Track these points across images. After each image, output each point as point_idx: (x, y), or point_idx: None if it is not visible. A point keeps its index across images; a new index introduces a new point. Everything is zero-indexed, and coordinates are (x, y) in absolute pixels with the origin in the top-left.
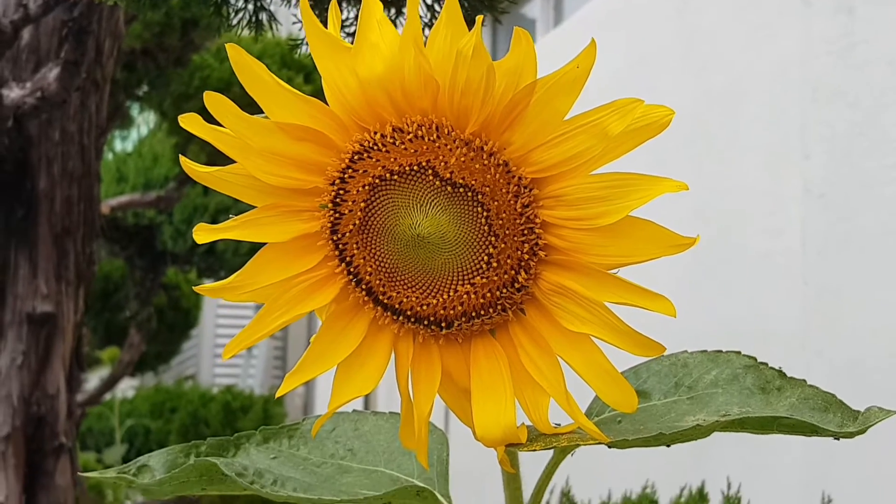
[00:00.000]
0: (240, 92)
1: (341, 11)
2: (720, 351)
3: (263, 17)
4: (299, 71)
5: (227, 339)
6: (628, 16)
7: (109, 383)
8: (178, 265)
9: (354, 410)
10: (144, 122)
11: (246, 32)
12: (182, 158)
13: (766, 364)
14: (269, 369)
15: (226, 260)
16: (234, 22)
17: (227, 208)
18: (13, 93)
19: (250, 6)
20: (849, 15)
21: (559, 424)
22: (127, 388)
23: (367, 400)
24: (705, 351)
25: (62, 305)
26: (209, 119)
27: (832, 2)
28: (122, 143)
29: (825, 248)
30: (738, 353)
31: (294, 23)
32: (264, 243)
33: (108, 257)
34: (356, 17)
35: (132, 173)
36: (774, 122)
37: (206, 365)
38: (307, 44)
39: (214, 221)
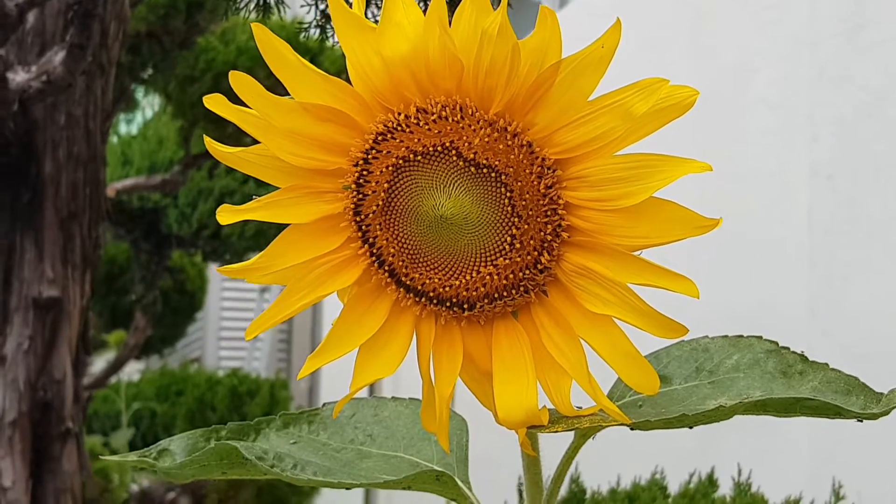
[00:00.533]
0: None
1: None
2: (741, 336)
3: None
4: (304, 54)
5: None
6: None
7: (115, 366)
8: (183, 248)
9: (374, 396)
10: (149, 105)
11: (253, 16)
12: (207, 140)
13: (787, 349)
14: (275, 353)
15: (231, 243)
16: (242, 4)
17: (231, 192)
18: (18, 76)
19: None
20: None
21: (580, 407)
22: (133, 371)
23: (372, 388)
24: (726, 336)
25: (68, 290)
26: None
27: None
28: (127, 126)
29: (832, 231)
30: (760, 337)
31: (301, 6)
32: (273, 227)
33: (113, 241)
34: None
35: (137, 156)
36: (782, 105)
37: (212, 348)
38: (315, 27)
39: (219, 204)
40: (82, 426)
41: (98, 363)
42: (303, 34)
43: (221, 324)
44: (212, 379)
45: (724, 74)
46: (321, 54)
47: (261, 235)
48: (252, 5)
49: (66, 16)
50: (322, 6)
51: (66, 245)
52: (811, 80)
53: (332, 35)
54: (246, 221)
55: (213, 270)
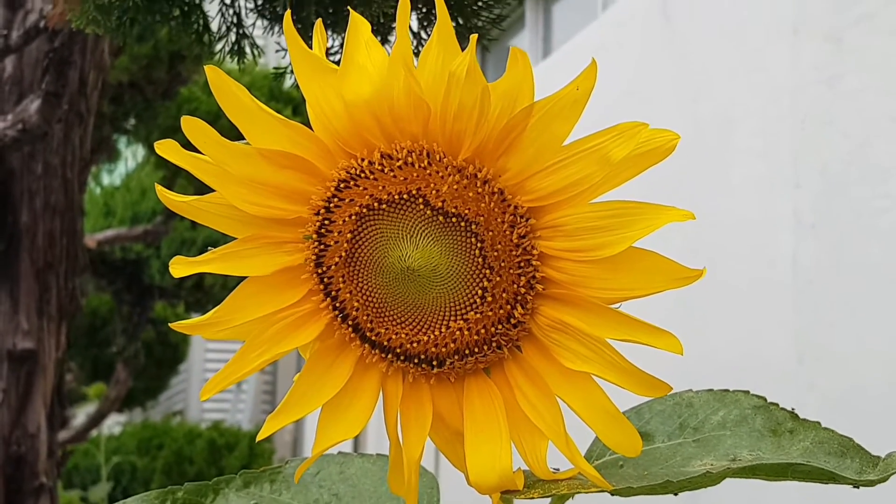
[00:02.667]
0: (227, 125)
1: (327, 38)
2: (727, 390)
3: (246, 45)
4: (288, 103)
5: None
6: (618, 47)
7: (96, 420)
8: (165, 299)
9: (340, 453)
10: (132, 155)
11: (229, 60)
12: (158, 187)
13: (776, 405)
14: (259, 404)
15: (213, 294)
16: (217, 49)
17: (215, 242)
18: None
19: (232, 34)
20: (837, 44)
21: (558, 469)
22: (114, 424)
23: (357, 440)
24: (711, 390)
25: (43, 342)
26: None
27: (821, 31)
28: (110, 177)
29: (817, 278)
30: (747, 392)
31: (277, 50)
32: (246, 277)
33: (95, 292)
34: (341, 46)
35: (120, 207)
36: (765, 152)
37: (195, 400)
38: (291, 73)
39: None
40: (56, 481)
41: (79, 416)
42: (282, 80)
43: (205, 376)
44: (192, 432)
45: (706, 123)
46: (304, 103)
47: None
48: (227, 50)
49: (44, 64)
50: None
51: (41, 296)
52: (793, 127)
53: None
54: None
55: None
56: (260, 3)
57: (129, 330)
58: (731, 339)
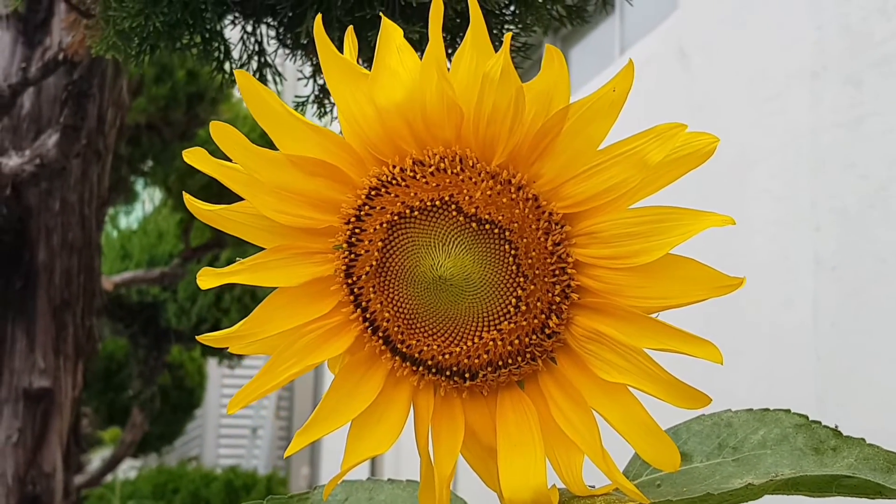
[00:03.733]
0: None
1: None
2: (767, 409)
3: (268, 73)
4: None
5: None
6: (637, 88)
7: (111, 464)
8: (182, 343)
9: (370, 479)
10: (150, 199)
11: None
12: (186, 196)
13: (818, 423)
14: (274, 450)
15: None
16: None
17: (232, 285)
18: (12, 161)
19: (254, 62)
20: (857, 87)
21: (594, 486)
22: (129, 469)
23: (374, 465)
24: (751, 409)
25: (60, 380)
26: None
27: (840, 74)
28: (127, 221)
29: (838, 322)
30: (788, 411)
31: (299, 78)
32: (273, 289)
33: (111, 336)
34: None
35: (137, 250)
36: (785, 194)
37: (210, 446)
38: (313, 102)
39: (219, 299)
40: None
41: (94, 461)
42: (301, 109)
43: (220, 421)
44: (208, 476)
45: (725, 166)
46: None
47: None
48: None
49: (62, 97)
50: (321, 81)
51: (58, 334)
52: (813, 169)
53: (332, 109)
54: (245, 313)
55: (213, 367)
56: (282, 31)
57: (146, 374)
58: (750, 381)
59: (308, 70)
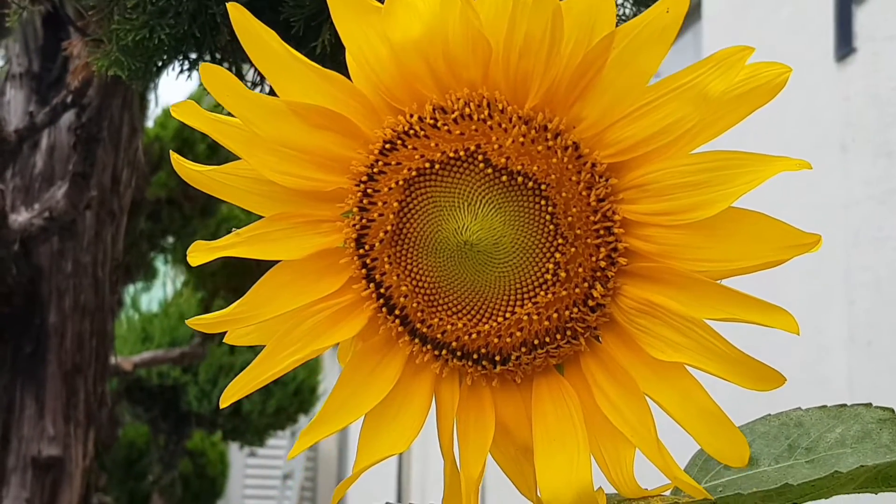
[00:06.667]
0: None
1: None
2: (844, 405)
3: None
4: None
5: None
6: None
7: None
8: (202, 427)
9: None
10: (171, 281)
11: None
12: (173, 154)
13: None
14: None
15: (251, 420)
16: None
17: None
18: (21, 216)
19: (267, 85)
20: (888, 159)
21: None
22: None
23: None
24: (824, 406)
25: (70, 448)
26: None
27: (871, 147)
28: (148, 299)
29: (873, 398)
30: (869, 405)
31: None
32: (274, 264)
33: (131, 421)
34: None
35: (158, 333)
36: (817, 268)
37: None
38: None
39: None
40: None
41: None
42: None
43: None
44: None
45: None
46: None
47: (282, 412)
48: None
49: (71, 142)
50: None
51: (69, 400)
52: (845, 243)
53: None
54: (267, 398)
55: (235, 453)
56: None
57: (166, 458)
58: None
59: None
